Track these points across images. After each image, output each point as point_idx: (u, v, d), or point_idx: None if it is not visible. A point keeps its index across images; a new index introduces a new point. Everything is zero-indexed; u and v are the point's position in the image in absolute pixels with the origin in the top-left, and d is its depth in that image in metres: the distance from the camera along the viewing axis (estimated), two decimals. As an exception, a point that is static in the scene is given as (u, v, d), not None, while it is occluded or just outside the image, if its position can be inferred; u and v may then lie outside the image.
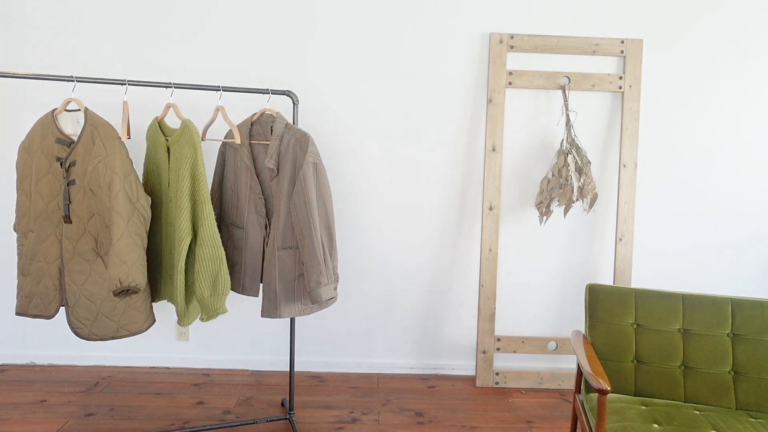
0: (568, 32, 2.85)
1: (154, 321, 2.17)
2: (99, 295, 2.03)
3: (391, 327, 3.04)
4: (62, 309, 2.93)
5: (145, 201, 2.00)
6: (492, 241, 2.89)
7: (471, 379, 3.01)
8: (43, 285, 2.03)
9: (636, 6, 2.85)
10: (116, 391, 2.73)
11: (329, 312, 3.03)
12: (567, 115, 2.84)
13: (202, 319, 2.12)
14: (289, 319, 2.91)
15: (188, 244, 2.05)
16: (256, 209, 2.26)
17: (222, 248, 2.08)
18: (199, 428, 2.38)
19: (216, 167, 2.38)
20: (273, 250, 2.19)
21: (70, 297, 2.02)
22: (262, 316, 2.22)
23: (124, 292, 1.95)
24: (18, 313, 2.07)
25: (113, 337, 2.07)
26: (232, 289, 2.34)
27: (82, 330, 2.05)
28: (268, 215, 2.27)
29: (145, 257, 2.00)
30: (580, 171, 2.75)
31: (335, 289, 2.18)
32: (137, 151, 2.81)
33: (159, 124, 2.17)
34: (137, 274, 1.93)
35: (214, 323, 3.01)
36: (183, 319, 2.12)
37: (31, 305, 2.05)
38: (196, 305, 2.21)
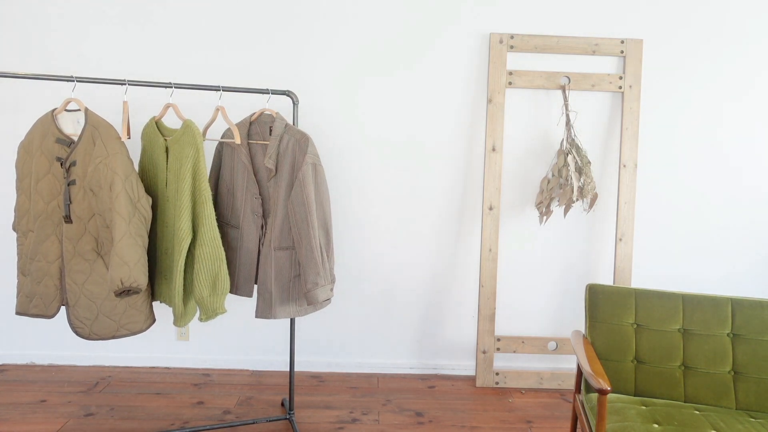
0: (568, 32, 2.85)
1: (154, 320, 2.17)
2: (99, 294, 2.03)
3: (391, 327, 3.04)
4: (63, 309, 2.93)
5: (146, 201, 2.00)
6: (492, 241, 2.89)
7: (471, 379, 3.00)
8: (44, 285, 2.03)
9: (636, 6, 2.85)
10: (116, 391, 2.73)
11: (329, 312, 3.03)
12: (567, 115, 2.83)
13: (201, 320, 2.11)
14: (289, 319, 2.91)
15: (188, 244, 2.04)
16: (252, 209, 2.26)
17: (222, 248, 2.08)
18: (199, 428, 2.38)
19: (212, 167, 2.38)
20: (269, 251, 2.19)
21: (70, 297, 2.02)
22: (257, 316, 2.22)
23: (125, 292, 1.95)
24: (18, 313, 2.07)
25: (113, 337, 2.07)
26: None
27: (83, 329, 2.05)
28: (265, 215, 2.27)
29: (146, 258, 2.00)
30: (580, 171, 2.75)
31: (331, 290, 2.19)
32: (137, 152, 2.81)
33: (156, 124, 2.17)
34: (139, 275, 1.93)
35: (214, 323, 3.01)
36: (180, 320, 2.12)
37: (31, 305, 2.05)
38: (194, 306, 2.21)
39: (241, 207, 2.27)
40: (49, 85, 2.79)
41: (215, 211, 2.37)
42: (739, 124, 2.92)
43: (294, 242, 2.17)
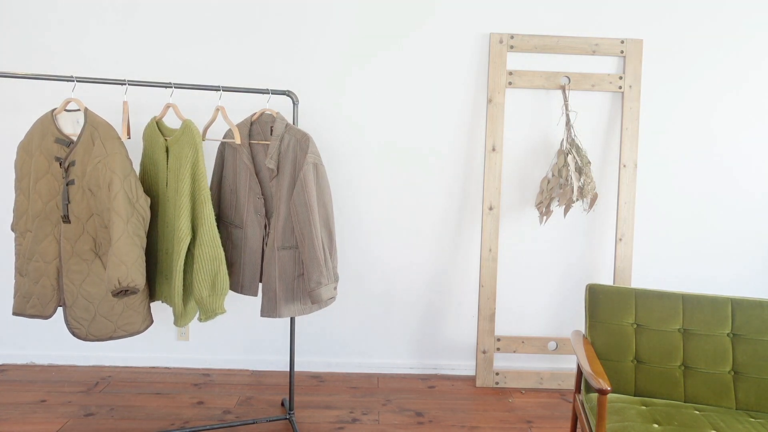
0: (568, 32, 2.85)
1: (152, 322, 2.17)
2: (97, 295, 2.03)
3: (391, 327, 3.04)
4: (60, 309, 2.93)
5: (145, 201, 2.00)
6: (492, 241, 2.89)
7: (471, 379, 3.00)
8: (41, 285, 2.03)
9: (636, 6, 2.84)
10: (116, 391, 2.73)
11: (329, 312, 3.03)
12: (567, 115, 2.83)
13: (200, 320, 2.11)
14: (289, 319, 2.91)
15: (188, 244, 2.04)
16: (255, 209, 2.26)
17: (221, 248, 2.08)
18: (199, 428, 2.37)
19: (214, 167, 2.38)
20: (272, 250, 2.19)
21: (67, 297, 2.02)
22: (262, 315, 2.22)
23: (122, 292, 1.94)
24: (15, 313, 2.06)
25: (111, 338, 2.07)
26: (231, 288, 2.34)
27: (80, 330, 2.04)
28: (267, 215, 2.27)
29: (144, 258, 1.99)
30: (580, 171, 2.75)
31: (335, 288, 2.20)
32: (137, 152, 2.81)
33: (157, 124, 2.17)
34: (136, 275, 1.93)
35: (214, 323, 3.01)
36: (180, 320, 2.12)
37: (28, 305, 2.05)
38: (194, 306, 2.21)
39: (244, 207, 2.28)
40: (49, 85, 2.79)
41: (218, 211, 2.38)
42: (738, 124, 2.91)
43: (297, 242, 2.18)
